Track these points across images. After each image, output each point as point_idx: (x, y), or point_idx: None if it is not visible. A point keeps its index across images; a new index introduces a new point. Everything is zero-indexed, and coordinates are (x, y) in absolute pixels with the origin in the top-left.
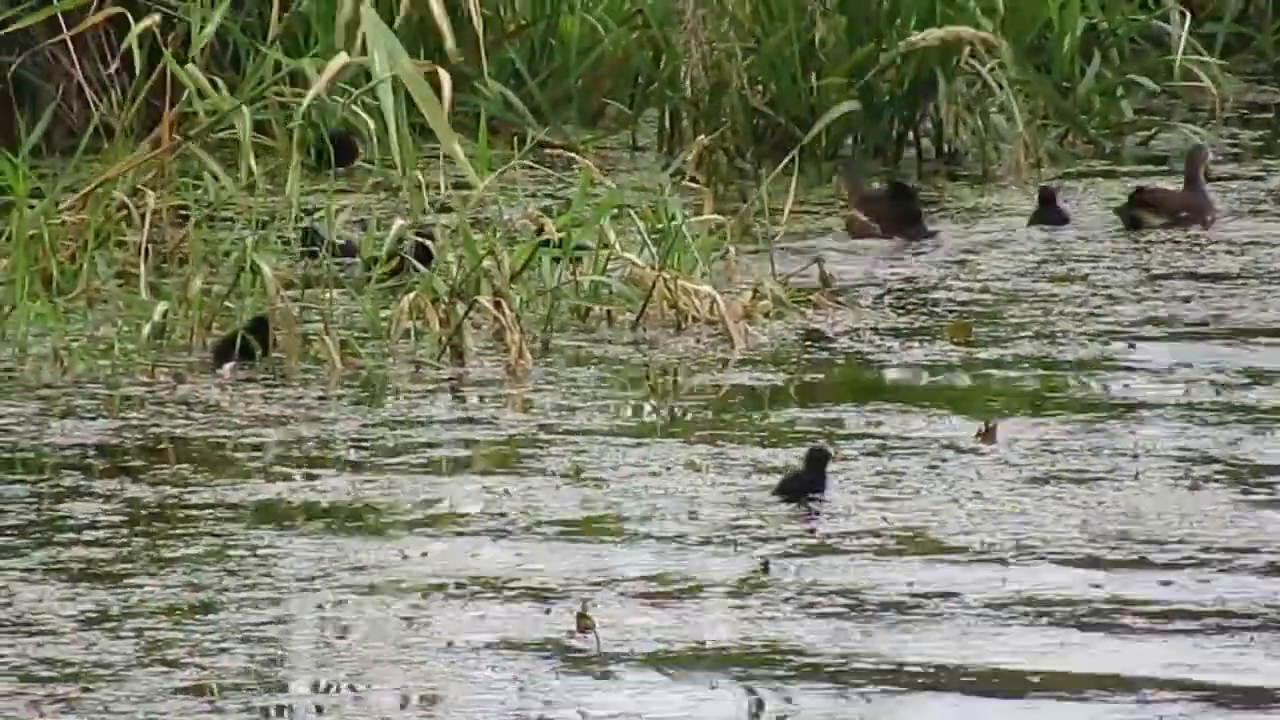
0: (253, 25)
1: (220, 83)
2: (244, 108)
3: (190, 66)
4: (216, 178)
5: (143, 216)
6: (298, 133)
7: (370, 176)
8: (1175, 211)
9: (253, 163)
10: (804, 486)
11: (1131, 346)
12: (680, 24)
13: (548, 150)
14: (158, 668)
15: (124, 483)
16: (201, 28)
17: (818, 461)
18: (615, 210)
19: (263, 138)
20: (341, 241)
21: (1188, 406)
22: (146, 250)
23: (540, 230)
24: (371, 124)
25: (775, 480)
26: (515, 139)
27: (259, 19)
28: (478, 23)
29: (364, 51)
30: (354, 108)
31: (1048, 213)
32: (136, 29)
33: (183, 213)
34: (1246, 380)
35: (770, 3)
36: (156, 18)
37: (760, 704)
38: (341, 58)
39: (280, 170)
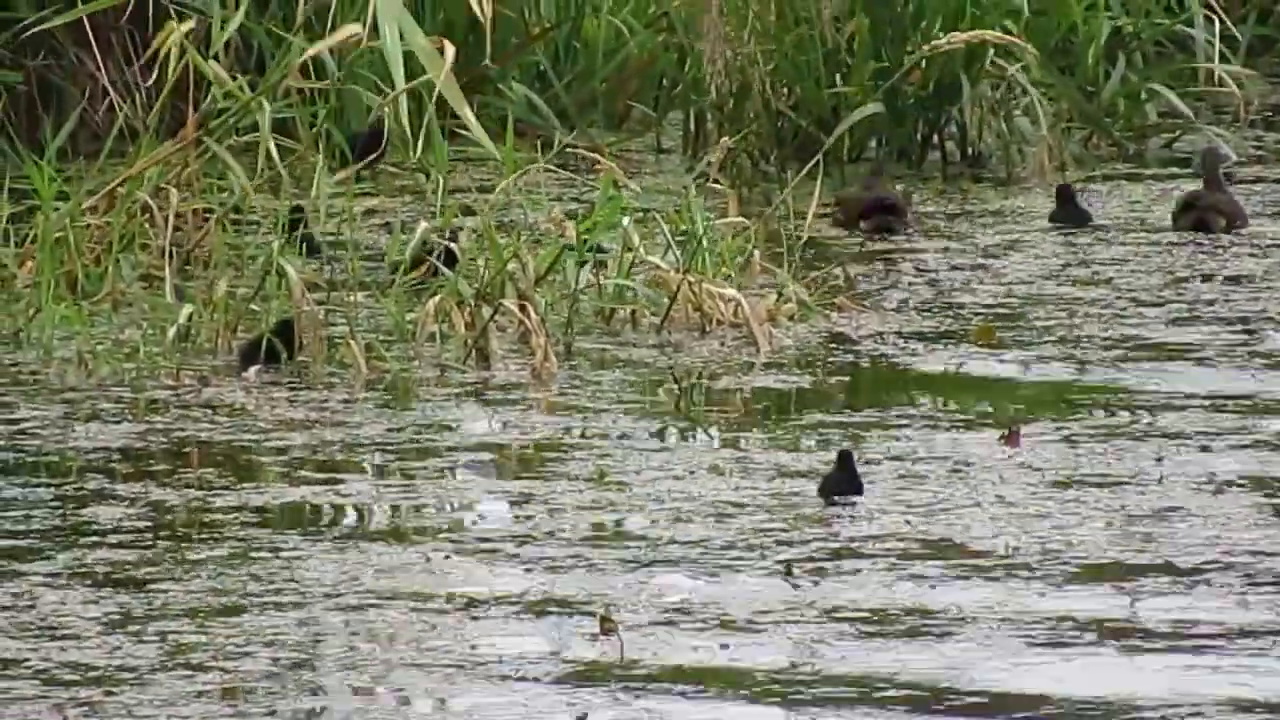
0: (277, 26)
1: (243, 82)
2: (264, 101)
3: (212, 62)
4: (236, 175)
5: (166, 219)
6: (323, 122)
7: (394, 180)
8: (1232, 215)
9: (274, 154)
10: (842, 486)
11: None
12: (703, 28)
13: (572, 152)
14: (181, 671)
15: (149, 486)
16: (223, 26)
17: (846, 461)
18: (639, 213)
19: (287, 140)
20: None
21: (1213, 409)
22: (171, 252)
23: (563, 234)
24: (403, 122)
25: (801, 484)
26: (540, 142)
27: (283, 21)
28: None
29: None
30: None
31: (1068, 211)
32: (175, 32)
33: (208, 214)
34: (1273, 384)
35: (794, 5)
36: (192, 22)
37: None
38: (352, 26)
39: (306, 171)
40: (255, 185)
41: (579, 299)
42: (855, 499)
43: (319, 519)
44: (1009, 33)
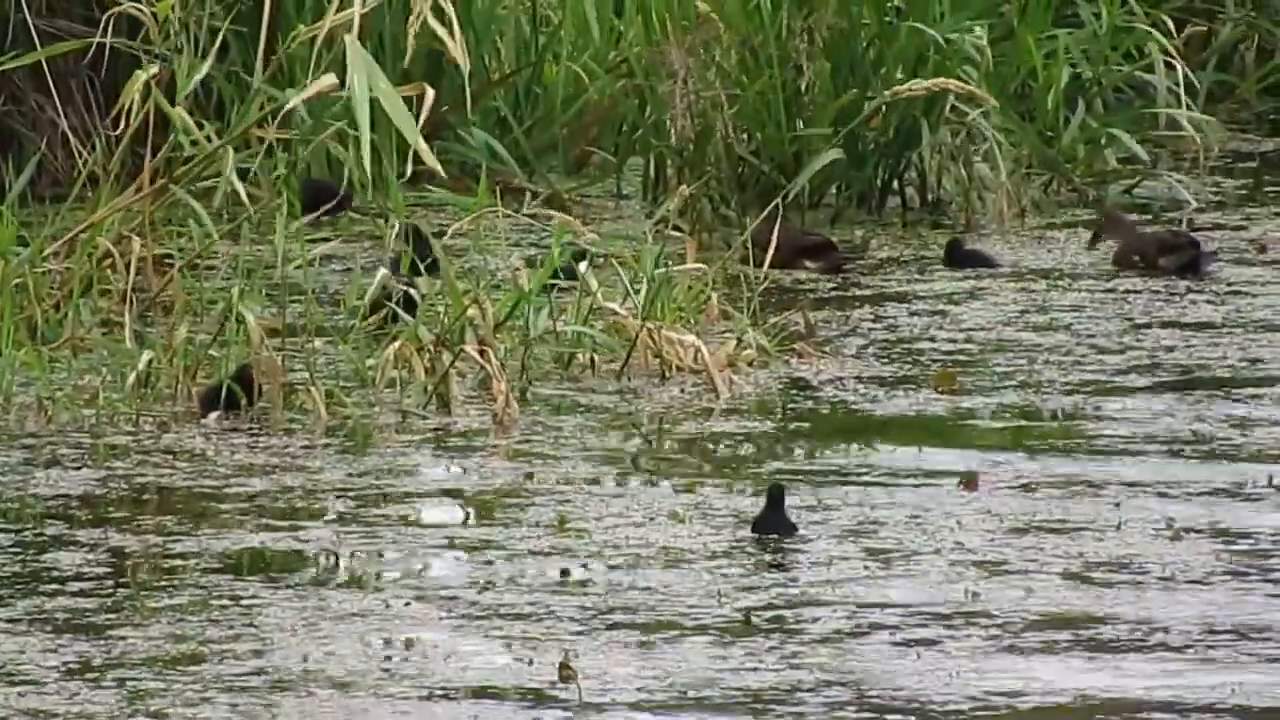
0: (237, 74)
1: (210, 130)
2: (228, 148)
3: (181, 111)
4: (200, 223)
5: (127, 265)
6: (284, 172)
7: (354, 225)
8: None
9: (244, 196)
10: (774, 526)
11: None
12: (666, 73)
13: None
14: (140, 718)
15: (108, 532)
16: (189, 74)
17: (775, 501)
18: (598, 259)
19: (251, 189)
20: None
21: (1171, 456)
22: (131, 298)
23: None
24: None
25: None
26: (500, 187)
27: (244, 67)
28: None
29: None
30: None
31: (962, 256)
32: (138, 79)
33: (168, 260)
34: (1230, 430)
35: (756, 52)
36: (156, 67)
37: None
38: (329, 78)
39: (266, 219)
40: (226, 233)
41: (535, 345)
42: (784, 538)
43: (279, 565)
44: (968, 79)
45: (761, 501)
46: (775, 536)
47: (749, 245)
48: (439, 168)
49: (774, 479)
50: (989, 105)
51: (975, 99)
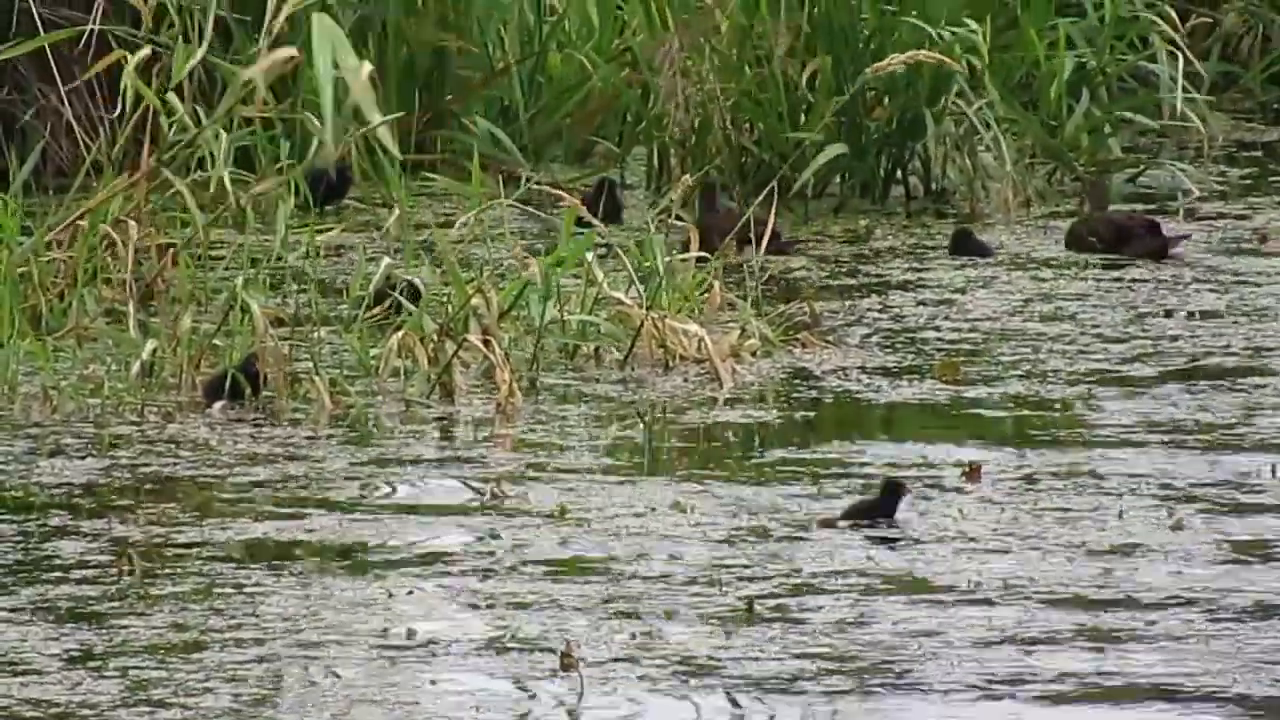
0: (241, 62)
1: (203, 114)
2: (220, 131)
3: (171, 95)
4: (200, 208)
5: (127, 252)
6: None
7: (357, 214)
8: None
9: (227, 183)
10: (872, 512)
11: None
12: (661, 67)
13: (536, 188)
14: (142, 708)
15: (111, 521)
16: (185, 61)
17: (892, 493)
18: (602, 249)
19: (249, 175)
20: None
21: (1174, 445)
22: (132, 286)
23: (527, 269)
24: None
25: (763, 520)
26: (503, 177)
27: (248, 55)
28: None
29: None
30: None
31: (967, 244)
32: (130, 66)
33: (172, 248)
34: (1233, 420)
35: (754, 41)
36: (146, 51)
37: None
38: (287, 50)
39: (269, 206)
40: (217, 218)
41: (543, 335)
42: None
43: (282, 554)
44: (973, 69)
45: (762, 492)
46: (872, 522)
47: (752, 234)
48: (395, 149)
49: (779, 471)
50: (959, 71)
51: (946, 65)
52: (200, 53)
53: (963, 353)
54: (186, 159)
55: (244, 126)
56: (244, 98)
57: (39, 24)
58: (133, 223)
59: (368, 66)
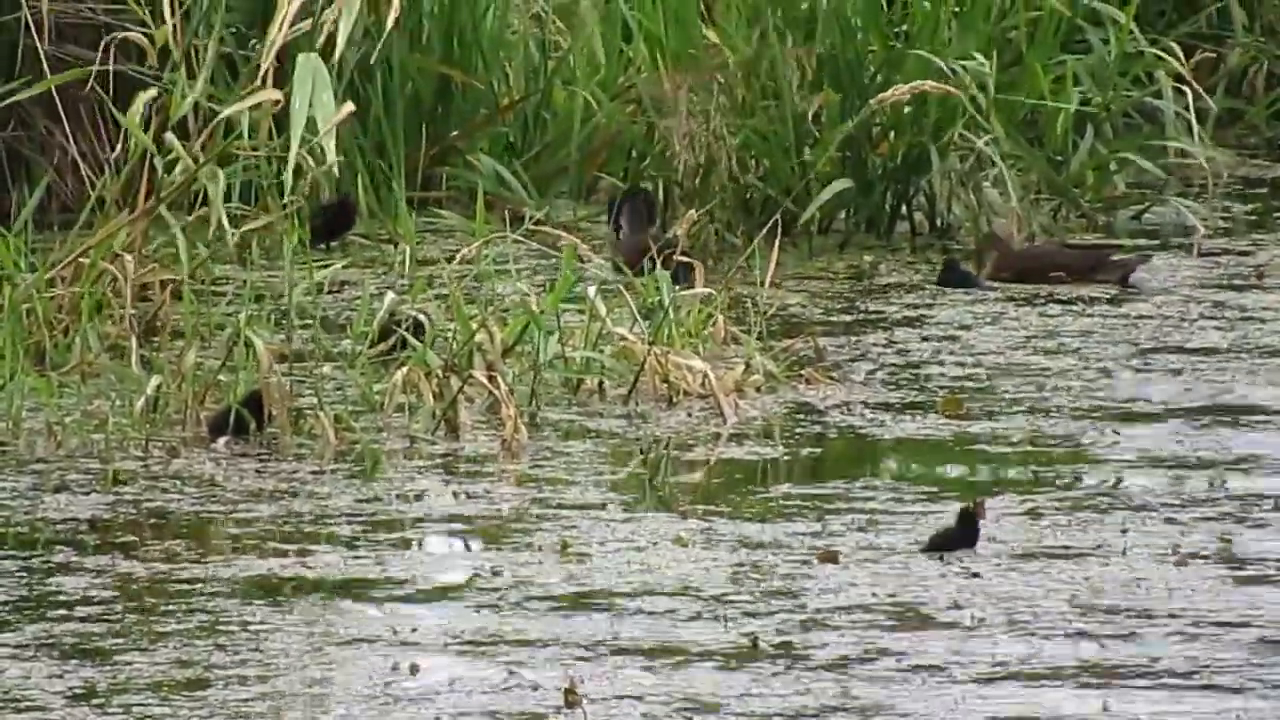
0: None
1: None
2: (216, 168)
3: (169, 134)
4: (178, 246)
5: (129, 288)
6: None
7: (363, 250)
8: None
9: (224, 219)
10: (955, 543)
11: None
12: (663, 108)
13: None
14: None
15: (116, 558)
16: (184, 97)
17: (969, 519)
18: (605, 285)
19: (252, 210)
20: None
21: (1178, 481)
22: (134, 322)
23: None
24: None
25: (766, 555)
26: (508, 214)
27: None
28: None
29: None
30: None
31: (952, 275)
32: (136, 106)
33: (177, 285)
34: (1236, 456)
35: (761, 78)
36: (153, 92)
37: None
38: (270, 91)
39: (274, 242)
40: (212, 255)
41: (544, 370)
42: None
43: (286, 591)
44: (978, 107)
45: (766, 529)
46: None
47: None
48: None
49: (783, 507)
50: (964, 101)
51: (951, 95)
52: (198, 90)
53: (967, 389)
54: (189, 196)
55: (244, 161)
56: (236, 135)
57: (44, 61)
58: (129, 258)
59: (348, 107)
